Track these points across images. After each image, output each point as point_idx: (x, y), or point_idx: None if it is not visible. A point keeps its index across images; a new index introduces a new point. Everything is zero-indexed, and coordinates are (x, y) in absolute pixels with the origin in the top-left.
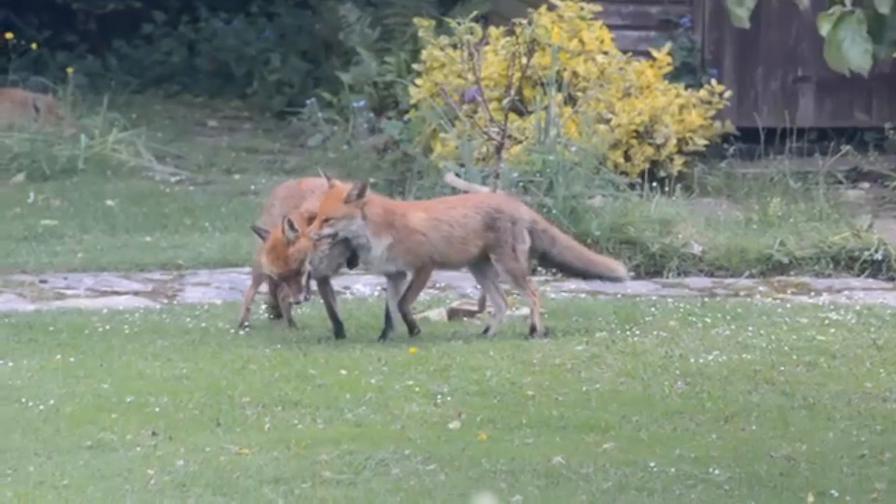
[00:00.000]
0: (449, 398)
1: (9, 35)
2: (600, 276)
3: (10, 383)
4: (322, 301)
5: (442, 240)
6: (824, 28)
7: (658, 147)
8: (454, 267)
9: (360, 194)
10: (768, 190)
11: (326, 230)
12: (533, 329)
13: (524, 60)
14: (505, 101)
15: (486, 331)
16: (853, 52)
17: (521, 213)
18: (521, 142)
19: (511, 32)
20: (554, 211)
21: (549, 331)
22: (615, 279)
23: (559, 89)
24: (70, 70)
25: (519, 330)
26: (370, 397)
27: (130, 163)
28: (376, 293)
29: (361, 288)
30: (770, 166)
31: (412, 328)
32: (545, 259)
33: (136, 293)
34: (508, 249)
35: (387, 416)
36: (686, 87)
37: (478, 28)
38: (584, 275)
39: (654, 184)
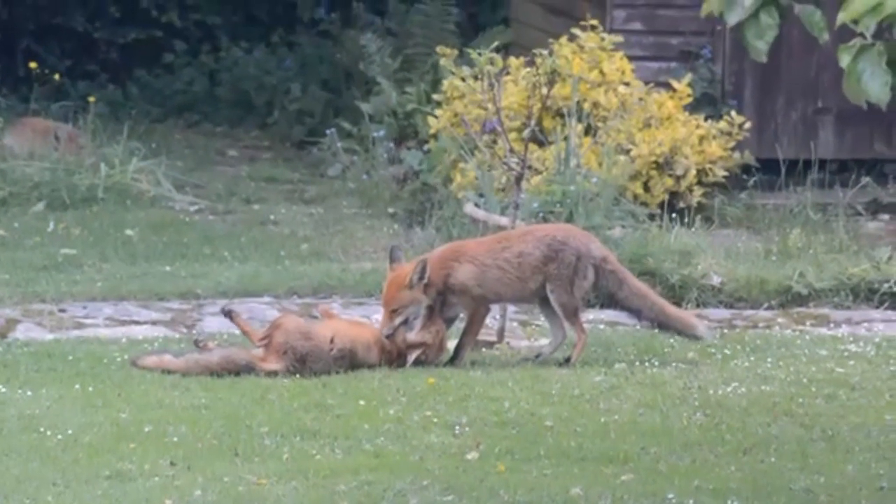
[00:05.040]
0: (467, 429)
1: (32, 64)
2: (676, 332)
3: (28, 412)
4: None
5: (494, 282)
6: (844, 60)
7: (678, 178)
8: (514, 303)
9: (422, 275)
10: (788, 221)
11: (397, 320)
12: (568, 359)
13: (544, 91)
14: (525, 132)
15: (537, 356)
16: (872, 84)
17: (590, 249)
18: (541, 172)
19: (532, 63)
20: None
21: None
22: (693, 338)
23: (579, 120)
24: (91, 99)
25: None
26: (388, 428)
27: (150, 192)
28: None
29: None
30: (790, 198)
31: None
32: (613, 301)
33: (154, 322)
34: (566, 283)
35: (405, 447)
36: (706, 119)
37: (498, 58)
38: (658, 326)
39: (674, 215)
